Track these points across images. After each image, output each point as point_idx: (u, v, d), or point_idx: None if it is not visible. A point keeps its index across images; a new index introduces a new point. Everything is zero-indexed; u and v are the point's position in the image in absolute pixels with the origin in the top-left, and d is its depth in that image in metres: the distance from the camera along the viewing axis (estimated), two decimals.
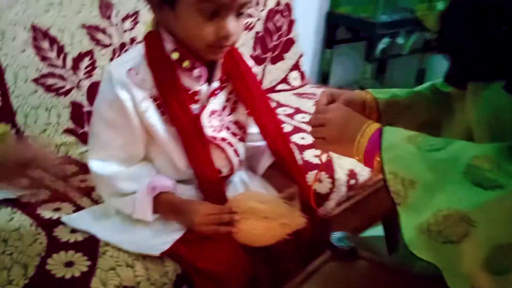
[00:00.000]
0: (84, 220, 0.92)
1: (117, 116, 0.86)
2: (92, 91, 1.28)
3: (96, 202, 1.01)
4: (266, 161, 1.04)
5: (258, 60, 1.72)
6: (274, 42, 1.78)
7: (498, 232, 0.54)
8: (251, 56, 1.60)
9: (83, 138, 1.27)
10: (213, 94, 0.92)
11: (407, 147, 0.65)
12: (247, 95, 0.97)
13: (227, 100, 0.97)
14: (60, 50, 1.23)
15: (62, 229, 0.90)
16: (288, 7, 1.81)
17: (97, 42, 1.30)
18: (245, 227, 0.86)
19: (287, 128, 1.40)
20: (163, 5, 0.82)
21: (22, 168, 0.71)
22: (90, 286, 0.78)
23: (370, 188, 1.35)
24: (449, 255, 0.58)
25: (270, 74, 1.78)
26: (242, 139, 1.00)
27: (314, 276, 0.82)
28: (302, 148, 1.29)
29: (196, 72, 0.89)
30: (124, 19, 1.35)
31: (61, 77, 1.24)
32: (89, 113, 1.28)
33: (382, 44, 2.04)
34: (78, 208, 0.98)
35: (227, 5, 0.79)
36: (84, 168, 1.14)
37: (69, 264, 0.80)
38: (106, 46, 1.32)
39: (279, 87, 1.81)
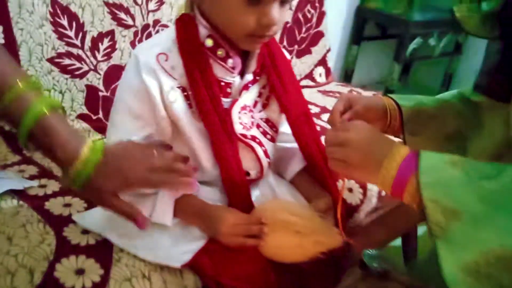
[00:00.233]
0: (96, 220, 0.83)
1: (143, 106, 0.78)
2: (110, 75, 1.20)
3: None
4: (296, 165, 0.96)
5: None
6: (302, 34, 1.68)
7: None
8: None
9: (97, 126, 1.19)
10: (246, 87, 0.84)
11: (452, 172, 0.57)
12: (282, 91, 0.88)
13: (259, 95, 0.88)
14: (80, 28, 1.14)
15: (73, 229, 0.81)
16: None
17: (119, 22, 1.20)
18: (273, 241, 0.78)
19: None
20: None
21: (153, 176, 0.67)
22: None
23: (398, 201, 1.26)
24: None
25: (295, 68, 1.68)
26: (272, 139, 0.92)
27: None
28: None
29: (230, 62, 0.80)
30: None
31: (79, 58, 1.15)
32: (105, 99, 1.19)
33: (414, 44, 1.93)
34: (90, 204, 0.89)
35: None
36: None
37: (80, 271, 0.72)
38: (128, 27, 1.22)
39: (303, 83, 1.72)
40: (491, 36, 0.72)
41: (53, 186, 0.93)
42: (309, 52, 1.72)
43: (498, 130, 0.75)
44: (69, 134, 0.61)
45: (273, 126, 0.92)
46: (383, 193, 1.17)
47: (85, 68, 1.16)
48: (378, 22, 2.14)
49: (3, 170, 0.95)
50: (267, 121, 0.90)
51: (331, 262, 0.89)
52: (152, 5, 1.26)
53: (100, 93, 1.19)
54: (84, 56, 1.15)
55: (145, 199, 0.80)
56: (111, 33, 1.20)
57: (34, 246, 0.75)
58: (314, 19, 1.70)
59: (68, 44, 1.13)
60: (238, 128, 0.83)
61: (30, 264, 0.72)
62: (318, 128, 1.29)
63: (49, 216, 0.83)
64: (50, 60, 1.10)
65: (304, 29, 1.68)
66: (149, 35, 1.27)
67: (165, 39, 0.80)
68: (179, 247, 0.80)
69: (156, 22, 1.27)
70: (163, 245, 0.80)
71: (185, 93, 0.79)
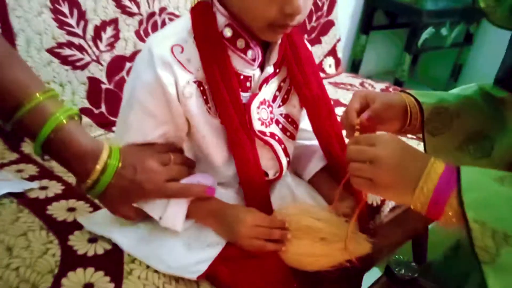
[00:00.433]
0: (104, 223, 0.77)
1: (158, 103, 0.71)
2: (113, 67, 1.13)
3: None
4: (316, 164, 0.89)
5: None
6: (313, 23, 1.61)
7: None
8: None
9: (99, 120, 1.12)
10: (265, 81, 0.77)
11: (500, 190, 0.52)
12: (303, 84, 0.81)
13: (279, 89, 0.81)
14: (81, 16, 1.06)
15: (79, 237, 0.74)
16: None
17: (123, 9, 1.13)
18: (296, 248, 0.72)
19: None
20: None
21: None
22: None
23: None
24: None
25: None
26: (292, 137, 0.85)
27: None
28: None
29: (250, 53, 0.74)
30: None
31: (80, 48, 1.07)
32: (108, 92, 1.12)
33: (426, 34, 1.86)
34: (95, 207, 0.82)
35: None
36: None
37: (89, 286, 0.65)
38: (132, 14, 1.15)
39: None
40: None
41: (55, 187, 0.86)
42: (319, 42, 1.65)
43: None
44: (86, 145, 0.60)
45: (293, 123, 0.85)
46: None
47: (87, 59, 1.08)
48: (388, 11, 2.06)
49: (0, 171, 0.88)
50: (287, 117, 0.84)
51: (356, 269, 0.84)
52: None
53: (103, 86, 1.12)
54: (86, 46, 1.08)
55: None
56: (114, 22, 1.12)
57: (37, 258, 0.69)
58: (325, 7, 1.63)
59: (69, 33, 1.05)
60: (257, 125, 0.77)
61: (33, 279, 0.65)
62: None
63: (52, 222, 0.76)
64: (50, 50, 1.02)
65: (314, 18, 1.61)
66: (154, 24, 1.19)
67: (179, 29, 0.73)
68: (194, 255, 0.73)
69: (163, 9, 1.19)
70: (176, 254, 0.74)
71: (201, 88, 0.73)
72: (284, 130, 0.83)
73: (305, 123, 0.87)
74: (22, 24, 0.97)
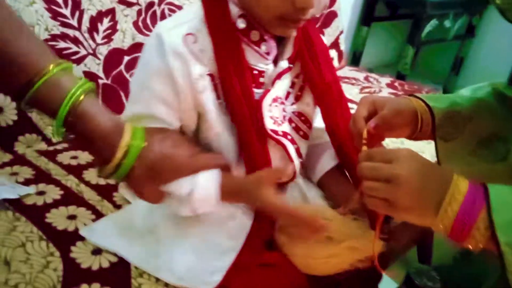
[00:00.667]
0: (108, 235, 0.72)
1: (169, 91, 0.66)
2: (110, 60, 1.07)
3: (119, 206, 0.80)
4: (326, 164, 0.84)
5: None
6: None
7: None
8: None
9: None
10: (279, 76, 0.72)
11: None
12: (318, 80, 0.76)
13: (292, 85, 0.76)
14: (76, 6, 1.00)
15: (82, 248, 0.69)
16: None
17: None
18: (302, 250, 0.68)
19: None
20: None
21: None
22: None
23: None
24: None
25: None
26: (305, 136, 0.80)
27: None
28: None
29: (264, 47, 0.69)
30: None
31: (75, 40, 1.00)
32: (106, 87, 1.06)
33: (430, 26, 1.81)
34: (98, 215, 0.77)
35: None
36: None
37: None
38: (130, 4, 1.08)
39: None
40: None
41: (53, 192, 0.80)
42: (322, 34, 1.59)
43: None
44: (105, 125, 0.55)
45: (307, 121, 0.80)
46: None
47: (83, 52, 1.02)
48: (389, 1, 2.01)
49: None
50: (300, 115, 0.79)
51: (370, 271, 0.80)
52: None
53: (100, 81, 1.05)
54: (81, 38, 1.01)
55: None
56: (111, 12, 1.06)
57: (37, 273, 0.63)
58: None
59: (63, 24, 0.98)
60: (269, 123, 0.72)
61: None
62: None
63: (53, 232, 0.71)
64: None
65: None
66: (154, 15, 1.13)
67: (192, 17, 0.68)
68: (207, 264, 0.69)
69: None
70: (188, 263, 0.69)
71: (213, 82, 0.68)
72: (296, 129, 0.78)
73: (317, 122, 0.82)
74: None
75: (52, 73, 0.51)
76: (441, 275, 0.86)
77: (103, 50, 1.05)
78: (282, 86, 0.74)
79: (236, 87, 0.67)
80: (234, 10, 0.67)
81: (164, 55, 0.64)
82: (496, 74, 1.75)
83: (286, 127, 0.76)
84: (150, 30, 1.12)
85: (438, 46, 2.19)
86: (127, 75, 1.08)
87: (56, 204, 0.77)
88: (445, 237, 0.53)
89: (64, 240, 0.69)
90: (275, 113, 0.73)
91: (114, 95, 1.07)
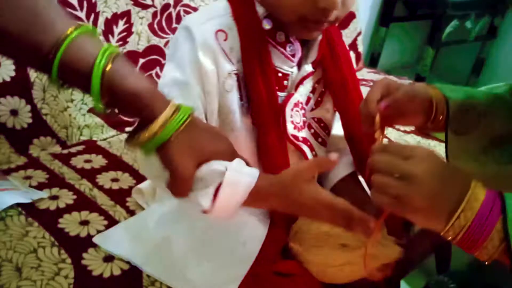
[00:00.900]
0: (122, 242, 0.71)
1: (197, 82, 0.64)
2: None
3: (132, 212, 0.79)
4: (341, 171, 0.82)
5: None
6: None
7: None
8: None
9: (111, 120, 1.04)
10: (302, 80, 0.71)
11: None
12: (340, 87, 0.74)
13: (313, 90, 0.75)
14: (91, 8, 0.99)
15: (93, 255, 0.68)
16: None
17: (136, 1, 1.06)
18: (317, 258, 0.66)
19: None
20: None
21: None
22: None
23: None
24: None
25: None
26: (324, 143, 0.79)
27: None
28: None
29: (289, 48, 0.68)
30: None
31: None
32: None
33: (451, 27, 1.77)
34: (110, 220, 0.75)
35: None
36: (113, 160, 0.91)
37: None
38: (146, 7, 1.08)
39: None
40: None
41: (66, 197, 0.79)
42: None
43: None
44: (145, 79, 0.50)
45: (326, 128, 0.79)
46: None
47: None
48: (409, 1, 1.97)
49: (6, 179, 0.81)
50: (320, 121, 0.77)
51: (387, 279, 0.77)
52: None
53: None
54: None
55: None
56: (127, 14, 1.05)
57: (48, 280, 0.62)
58: None
59: None
60: (290, 128, 0.70)
61: None
62: None
63: (65, 238, 0.70)
64: None
65: None
66: (169, 17, 1.12)
67: (222, 12, 0.67)
68: (222, 273, 0.67)
69: (178, 1, 1.12)
70: (203, 271, 0.67)
71: (238, 82, 0.67)
72: (315, 135, 0.77)
73: (335, 128, 0.80)
74: None
75: (74, 37, 0.47)
76: (457, 283, 0.83)
77: None
78: (304, 91, 0.73)
79: (261, 89, 0.66)
80: (260, 10, 0.66)
81: (195, 49, 0.63)
82: None
83: (305, 133, 0.75)
84: (165, 33, 1.11)
85: (458, 47, 2.14)
86: None
87: (69, 209, 0.76)
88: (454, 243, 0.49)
89: (76, 247, 0.68)
90: (296, 118, 0.72)
91: None
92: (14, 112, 0.91)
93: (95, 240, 0.70)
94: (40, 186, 0.81)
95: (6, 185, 0.78)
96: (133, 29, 1.07)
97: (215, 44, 0.64)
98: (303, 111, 0.73)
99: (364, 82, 1.49)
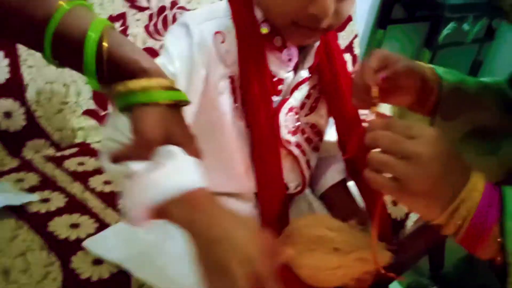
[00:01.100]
0: (111, 246, 0.71)
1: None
2: None
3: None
4: (331, 177, 0.82)
5: None
6: None
7: None
8: None
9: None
10: (297, 86, 0.72)
11: None
12: (335, 93, 0.75)
13: (308, 96, 0.75)
14: None
15: (82, 258, 0.68)
16: None
17: (132, 3, 1.06)
18: (309, 261, 0.65)
19: None
20: None
21: None
22: None
23: None
24: None
25: None
26: (316, 148, 0.79)
27: None
28: None
29: (285, 53, 0.68)
30: None
31: None
32: None
33: (448, 29, 1.77)
34: (101, 224, 0.76)
35: None
36: None
37: None
38: (142, 9, 1.08)
39: None
40: None
41: (57, 200, 0.80)
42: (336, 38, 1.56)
43: None
44: (143, 54, 0.49)
45: (319, 134, 0.79)
46: None
47: None
48: (407, 3, 1.97)
49: None
50: (313, 126, 0.77)
51: (378, 282, 0.77)
52: None
53: None
54: None
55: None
56: (122, 17, 1.05)
57: (36, 283, 0.62)
58: None
59: None
60: (283, 132, 0.71)
61: None
62: None
63: (54, 241, 0.70)
64: None
65: None
66: (165, 19, 1.12)
67: (221, 14, 0.67)
68: None
69: (174, 4, 1.12)
70: (194, 277, 0.67)
71: (232, 85, 0.67)
72: (308, 140, 0.77)
73: (328, 135, 0.81)
74: None
75: (65, 9, 0.46)
76: (444, 284, 0.82)
77: None
78: (299, 96, 0.74)
79: (256, 92, 0.67)
80: (259, 14, 0.66)
81: (190, 47, 0.63)
82: None
83: (298, 138, 0.75)
84: (161, 35, 1.12)
85: (456, 49, 2.14)
86: None
87: (59, 212, 0.77)
88: (452, 239, 0.49)
89: (65, 250, 0.69)
90: (290, 122, 0.73)
91: None
92: (7, 115, 0.91)
93: (84, 244, 0.70)
94: (32, 189, 0.82)
95: None
96: (129, 32, 1.07)
97: (212, 45, 0.64)
98: (297, 116, 0.74)
99: None
